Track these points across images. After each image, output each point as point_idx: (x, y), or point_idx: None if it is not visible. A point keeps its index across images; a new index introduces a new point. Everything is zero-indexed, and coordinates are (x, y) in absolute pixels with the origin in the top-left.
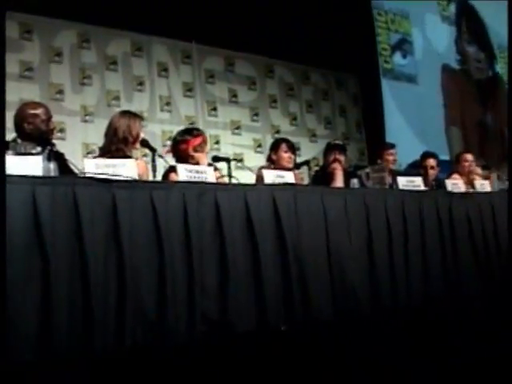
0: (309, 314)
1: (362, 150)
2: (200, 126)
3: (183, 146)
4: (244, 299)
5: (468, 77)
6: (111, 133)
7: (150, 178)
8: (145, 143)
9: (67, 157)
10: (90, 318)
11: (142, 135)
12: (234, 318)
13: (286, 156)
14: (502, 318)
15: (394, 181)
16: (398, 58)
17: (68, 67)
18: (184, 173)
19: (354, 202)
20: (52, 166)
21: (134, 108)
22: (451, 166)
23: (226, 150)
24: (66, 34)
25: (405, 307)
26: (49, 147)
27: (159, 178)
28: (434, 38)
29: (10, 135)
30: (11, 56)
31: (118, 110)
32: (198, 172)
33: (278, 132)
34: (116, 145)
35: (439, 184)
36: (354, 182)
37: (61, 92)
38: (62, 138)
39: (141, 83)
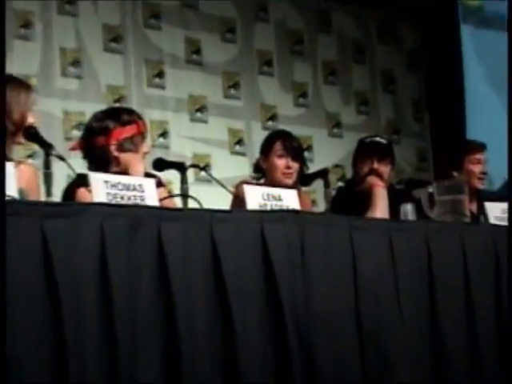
0: None
1: (421, 153)
2: (133, 104)
3: (102, 140)
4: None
5: None
6: None
7: (42, 197)
8: (32, 134)
9: None
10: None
11: (31, 120)
12: None
13: (281, 164)
14: None
15: (481, 209)
16: None
17: None
18: (103, 188)
19: (407, 245)
20: None
21: (15, 70)
22: None
23: (179, 149)
24: None
25: None
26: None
27: (58, 195)
28: None
29: None
30: None
31: None
32: (127, 188)
33: (273, 118)
34: None
35: None
36: (407, 209)
37: None
38: None
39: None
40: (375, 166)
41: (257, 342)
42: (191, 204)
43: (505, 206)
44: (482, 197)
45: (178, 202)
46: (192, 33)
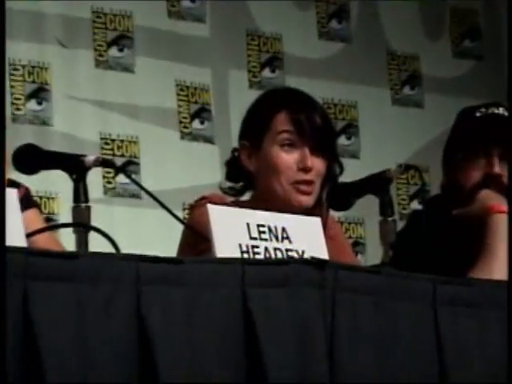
0: None
1: None
2: None
3: None
4: None
5: None
6: None
7: None
8: None
9: None
10: None
11: None
12: None
13: (289, 162)
14: None
15: None
16: None
17: None
18: None
19: None
20: None
21: None
22: None
23: (71, 126)
24: None
25: None
26: None
27: None
28: None
29: None
30: None
31: None
32: None
33: (273, 60)
34: None
35: None
36: None
37: None
38: None
39: None
40: (496, 169)
41: None
42: (96, 242)
43: None
44: None
45: (66, 237)
46: None
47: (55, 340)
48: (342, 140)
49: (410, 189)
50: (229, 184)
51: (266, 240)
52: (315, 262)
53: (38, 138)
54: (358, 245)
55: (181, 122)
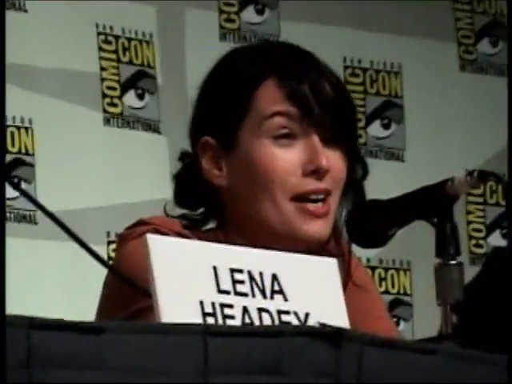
0: None
1: None
2: None
3: None
4: None
5: None
6: None
7: None
8: None
9: None
10: None
11: None
12: None
13: (290, 160)
14: None
15: None
16: None
17: None
18: None
19: None
20: None
21: None
22: None
23: None
24: None
25: None
26: None
27: None
28: None
29: None
30: None
31: None
32: None
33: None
34: None
35: None
36: None
37: None
38: None
39: None
40: None
41: None
42: None
43: None
44: None
45: None
46: None
47: None
48: (375, 129)
49: (488, 212)
50: (181, 211)
51: (244, 295)
52: (326, 333)
53: None
54: (399, 304)
55: (105, 96)
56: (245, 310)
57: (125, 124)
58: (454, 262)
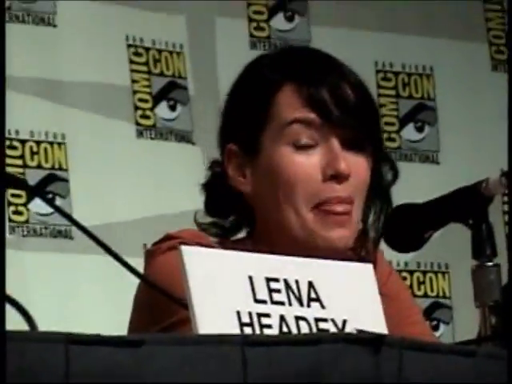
0: None
1: None
2: None
3: None
4: None
5: None
6: None
7: None
8: None
9: None
10: None
11: None
12: None
13: (310, 165)
14: None
15: None
16: None
17: None
18: None
19: None
20: None
21: None
22: None
23: None
24: None
25: None
26: None
27: None
28: None
29: None
30: None
31: None
32: None
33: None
34: None
35: None
36: None
37: None
38: None
39: None
40: None
41: None
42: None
43: None
44: None
45: None
46: None
47: None
48: (409, 133)
49: None
50: (211, 219)
51: (281, 304)
52: (365, 339)
53: None
54: (438, 308)
55: (137, 109)
56: (282, 318)
57: (158, 136)
58: (490, 263)
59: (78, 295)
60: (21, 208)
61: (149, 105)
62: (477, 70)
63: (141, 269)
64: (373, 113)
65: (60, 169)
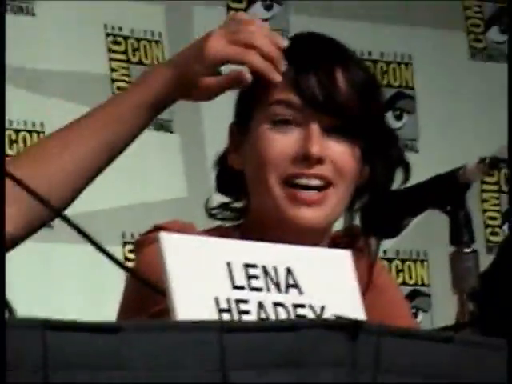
0: None
1: None
2: None
3: None
4: None
5: None
6: None
7: None
8: None
9: None
10: None
11: None
12: None
13: (284, 143)
14: None
15: None
16: None
17: None
18: None
19: None
20: None
21: None
22: None
23: None
24: None
25: None
26: None
27: None
28: None
29: None
30: None
31: None
32: None
33: None
34: None
35: None
36: None
37: None
38: None
39: None
40: None
41: None
42: None
43: None
44: None
45: None
46: None
47: None
48: (388, 121)
49: (503, 200)
50: (223, 200)
51: (259, 290)
52: (343, 325)
53: None
54: (417, 295)
55: None
56: (260, 304)
57: None
58: (468, 249)
59: (57, 285)
60: None
61: None
62: (455, 58)
63: (120, 256)
64: (366, 102)
65: None
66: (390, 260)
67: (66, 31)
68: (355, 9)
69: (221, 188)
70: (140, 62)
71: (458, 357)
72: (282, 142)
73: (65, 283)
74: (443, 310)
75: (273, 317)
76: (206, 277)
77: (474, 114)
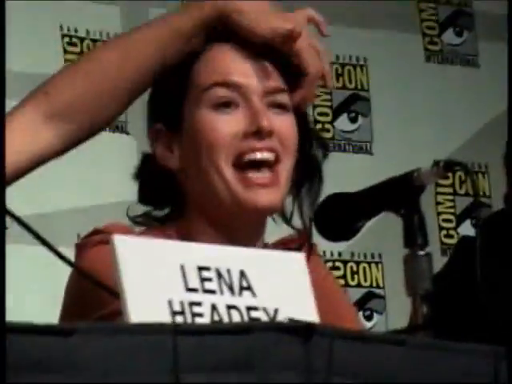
0: None
1: None
2: None
3: None
4: None
5: None
6: None
7: None
8: None
9: None
10: None
11: None
12: None
13: (229, 124)
14: None
15: None
16: None
17: None
18: None
19: None
20: None
21: None
22: None
23: None
24: None
25: None
26: None
27: None
28: None
29: None
30: None
31: None
32: None
33: None
34: None
35: None
36: None
37: None
38: None
39: None
40: None
41: None
42: None
43: None
44: None
45: None
46: None
47: None
48: (342, 123)
49: (458, 202)
50: (143, 211)
51: (213, 292)
52: (296, 328)
53: None
54: (371, 297)
55: None
56: (213, 307)
57: None
58: (422, 252)
59: (10, 286)
60: None
61: None
62: (410, 61)
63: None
64: (297, 72)
65: None
66: (345, 262)
67: (21, 31)
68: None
69: (148, 197)
70: None
71: (410, 359)
72: (228, 122)
73: (18, 285)
74: (398, 312)
75: (226, 319)
76: (159, 279)
77: (429, 116)
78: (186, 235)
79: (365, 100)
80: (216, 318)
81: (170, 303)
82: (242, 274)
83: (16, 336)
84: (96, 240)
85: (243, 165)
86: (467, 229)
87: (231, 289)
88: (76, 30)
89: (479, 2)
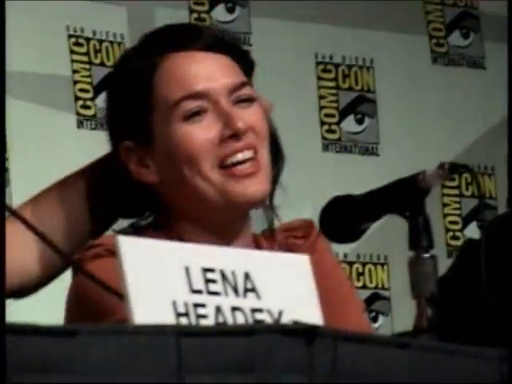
0: None
1: None
2: None
3: None
4: None
5: None
6: None
7: None
8: None
9: None
10: None
11: None
12: None
13: (204, 133)
14: None
15: None
16: None
17: None
18: None
19: None
20: None
21: None
22: None
23: None
24: None
25: None
26: None
27: None
28: None
29: None
30: None
31: None
32: None
33: None
34: None
35: None
36: None
37: None
38: None
39: None
40: None
41: None
42: None
43: None
44: None
45: None
46: None
47: None
48: (349, 125)
49: (464, 204)
50: (129, 221)
51: (217, 294)
52: (299, 331)
53: None
54: (376, 299)
55: (78, 99)
56: (218, 309)
57: (98, 126)
58: (427, 255)
59: None
60: None
61: (89, 95)
62: (417, 62)
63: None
64: (248, 61)
65: None
66: (350, 263)
67: (28, 32)
68: (317, 12)
69: (130, 211)
70: (102, 64)
71: (415, 362)
72: (202, 130)
73: None
74: (403, 314)
75: (230, 321)
76: (163, 281)
77: (435, 118)
78: (176, 239)
79: (371, 101)
80: (220, 319)
81: (175, 304)
82: (247, 276)
83: (19, 338)
84: (91, 254)
85: (227, 166)
86: (473, 231)
87: (236, 290)
88: (82, 30)
89: (485, 3)
